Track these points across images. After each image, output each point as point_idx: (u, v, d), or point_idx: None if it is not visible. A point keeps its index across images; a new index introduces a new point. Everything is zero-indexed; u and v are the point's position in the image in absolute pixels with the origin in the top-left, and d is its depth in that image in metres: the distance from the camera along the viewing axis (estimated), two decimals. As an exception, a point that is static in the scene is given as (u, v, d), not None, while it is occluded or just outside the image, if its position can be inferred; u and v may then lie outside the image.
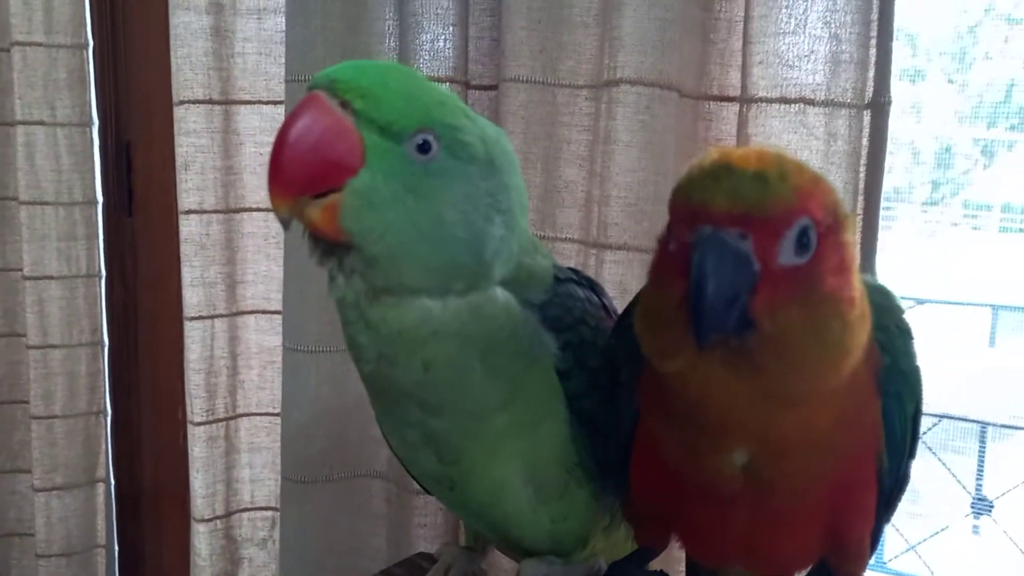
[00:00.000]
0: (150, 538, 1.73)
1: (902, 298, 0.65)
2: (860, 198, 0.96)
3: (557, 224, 1.11)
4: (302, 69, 1.22)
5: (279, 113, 1.42)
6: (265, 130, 1.45)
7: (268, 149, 1.40)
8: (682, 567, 0.87)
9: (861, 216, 0.96)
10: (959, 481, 4.04)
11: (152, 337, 1.67)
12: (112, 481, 1.71)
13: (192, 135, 1.43)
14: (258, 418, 1.50)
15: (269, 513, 1.51)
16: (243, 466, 1.51)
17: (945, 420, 4.13)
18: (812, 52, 0.95)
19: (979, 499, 4.00)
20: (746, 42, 0.98)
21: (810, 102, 0.95)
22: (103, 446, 1.68)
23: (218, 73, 1.43)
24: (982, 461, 4.14)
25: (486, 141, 0.70)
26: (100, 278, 1.65)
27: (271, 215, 1.42)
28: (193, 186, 1.44)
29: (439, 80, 1.16)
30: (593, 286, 0.81)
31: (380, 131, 0.66)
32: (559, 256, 1.11)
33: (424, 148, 0.67)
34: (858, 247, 0.80)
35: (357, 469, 1.27)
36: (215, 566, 1.51)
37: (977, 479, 4.11)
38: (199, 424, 1.47)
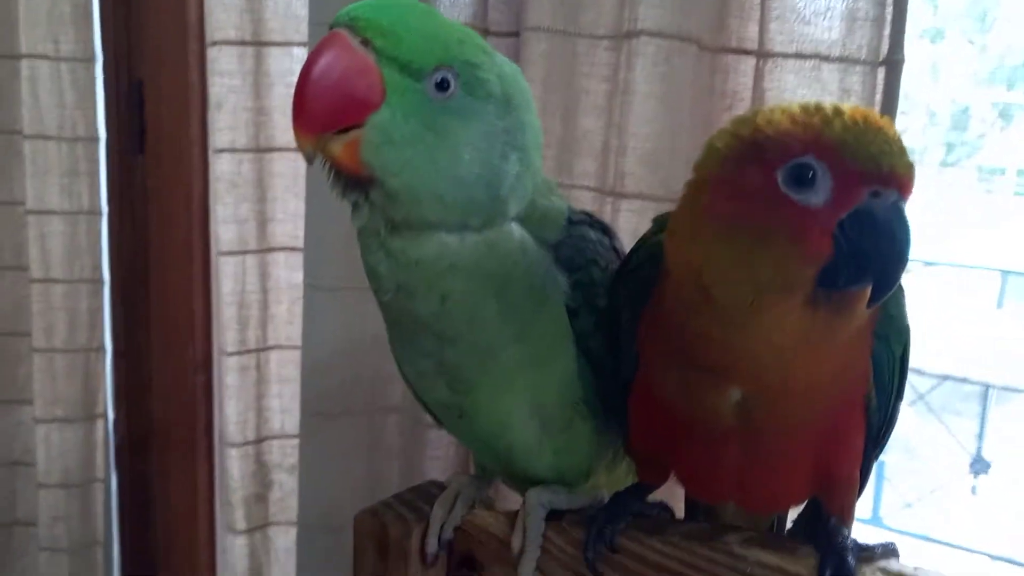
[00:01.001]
0: (159, 472, 1.75)
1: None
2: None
3: (574, 172, 1.12)
4: (325, 11, 1.23)
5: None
6: (295, 72, 1.45)
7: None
8: (682, 501, 0.91)
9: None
10: (959, 442, 4.07)
11: (162, 274, 1.67)
12: (111, 417, 1.74)
13: (225, 76, 1.45)
14: (287, 351, 1.54)
15: (297, 441, 1.56)
16: (273, 396, 1.55)
17: (948, 382, 4.15)
18: (829, 9, 0.95)
19: (977, 459, 4.03)
20: (765, -2, 0.98)
21: (825, 58, 0.95)
22: (102, 383, 1.70)
23: (250, 15, 1.45)
24: (983, 423, 4.16)
25: (503, 79, 0.71)
26: (102, 215, 1.66)
27: (300, 155, 1.47)
28: (225, 125, 1.46)
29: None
30: (605, 229, 0.82)
31: (400, 68, 0.67)
32: (576, 203, 1.13)
33: (443, 85, 0.68)
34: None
35: (373, 404, 1.30)
36: (246, 488, 1.57)
37: (978, 440, 4.14)
38: (231, 354, 1.51)
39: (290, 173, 1.51)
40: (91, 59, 1.59)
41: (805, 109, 0.60)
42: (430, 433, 1.24)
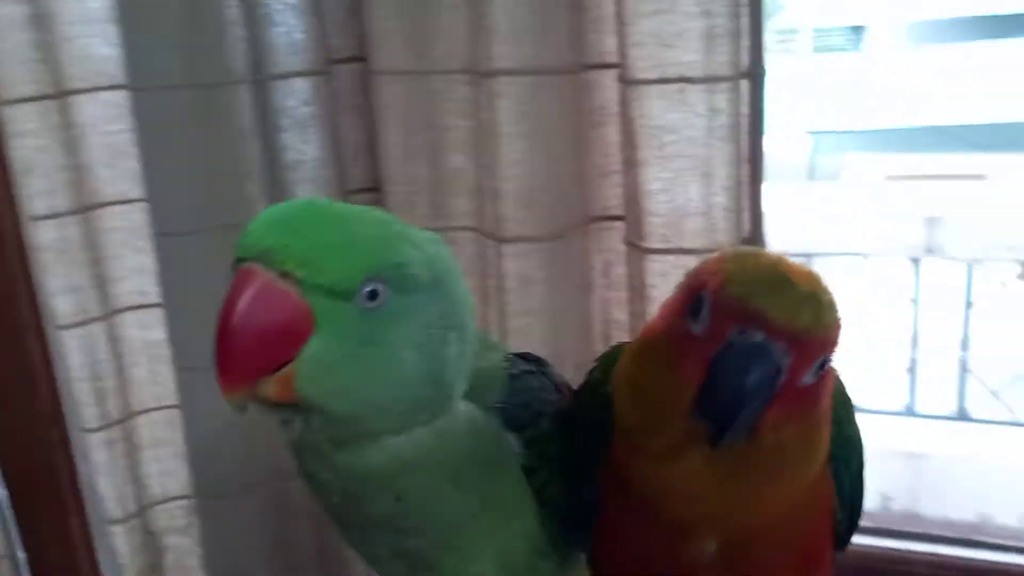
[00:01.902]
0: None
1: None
2: (746, 165, 0.99)
3: (449, 213, 1.09)
4: (147, 78, 1.13)
5: (120, 98, 1.31)
6: (108, 118, 1.33)
7: (115, 138, 1.34)
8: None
9: (747, 182, 0.99)
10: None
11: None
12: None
13: (28, 136, 1.30)
14: (155, 412, 1.45)
15: (184, 501, 1.49)
16: (149, 462, 1.46)
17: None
18: (686, 29, 0.94)
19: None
20: (621, 23, 0.96)
21: (689, 80, 0.95)
22: None
23: (45, 65, 1.30)
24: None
25: (429, 262, 0.67)
26: None
27: (131, 206, 1.36)
28: (41, 190, 1.32)
29: (299, 74, 1.09)
30: (543, 368, 0.81)
31: (327, 293, 0.62)
32: (455, 246, 1.10)
33: (372, 295, 0.63)
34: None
35: (275, 470, 1.26)
36: (137, 560, 1.48)
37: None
38: (94, 431, 1.41)
39: (123, 227, 1.39)
40: None
41: (737, 251, 0.63)
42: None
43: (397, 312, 0.65)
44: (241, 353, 0.61)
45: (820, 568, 0.73)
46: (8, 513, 1.58)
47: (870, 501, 0.77)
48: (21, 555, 1.61)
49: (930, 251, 3.54)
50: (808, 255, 4.03)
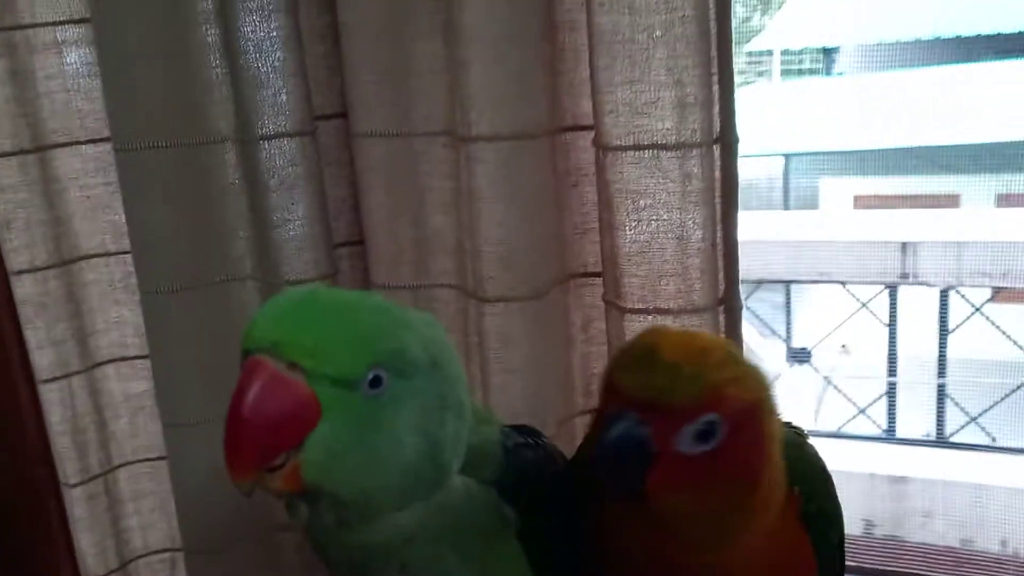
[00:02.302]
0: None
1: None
2: (719, 228, 1.02)
3: (431, 271, 1.12)
4: (130, 137, 1.15)
5: (100, 151, 1.33)
6: (87, 171, 1.35)
7: (94, 191, 1.35)
8: None
9: (721, 245, 1.02)
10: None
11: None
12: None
13: (8, 191, 1.32)
14: (137, 465, 1.46)
15: (166, 555, 1.50)
16: (130, 515, 1.48)
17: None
18: (659, 98, 0.98)
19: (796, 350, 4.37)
20: (595, 91, 0.99)
21: (663, 147, 0.98)
22: None
23: (24, 119, 1.32)
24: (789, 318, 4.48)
25: (427, 345, 0.71)
26: None
27: (111, 259, 1.37)
28: (21, 244, 1.34)
29: (286, 135, 1.12)
30: (538, 439, 0.84)
31: (332, 382, 0.66)
32: (439, 303, 1.12)
33: (375, 383, 0.67)
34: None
35: (265, 523, 1.27)
36: (121, 617, 1.49)
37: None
38: (75, 486, 1.42)
39: (104, 280, 1.41)
40: None
41: (646, 331, 0.69)
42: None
43: (398, 396, 0.69)
44: (251, 441, 0.65)
45: None
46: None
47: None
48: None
49: (904, 276, 3.61)
50: (787, 282, 4.10)
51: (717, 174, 1.01)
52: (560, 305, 1.12)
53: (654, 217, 1.00)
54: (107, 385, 1.43)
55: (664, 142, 0.98)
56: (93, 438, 1.43)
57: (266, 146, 1.12)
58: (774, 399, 0.69)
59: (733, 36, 1.00)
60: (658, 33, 0.96)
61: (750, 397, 0.65)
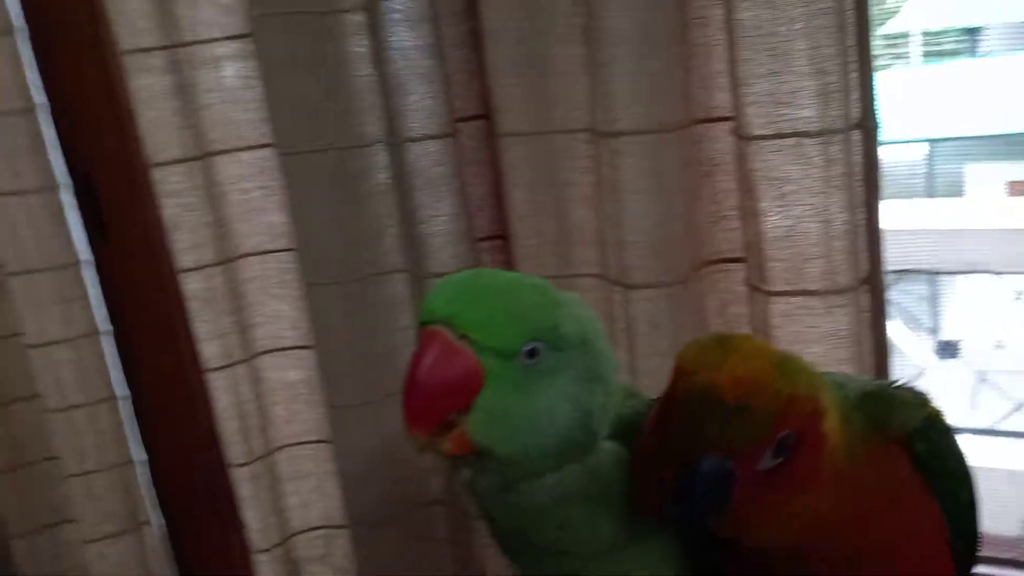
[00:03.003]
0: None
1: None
2: (862, 210, 1.05)
3: (573, 262, 1.18)
4: (290, 141, 1.25)
5: (256, 157, 1.43)
6: (244, 176, 1.46)
7: (253, 193, 1.46)
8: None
9: (864, 225, 1.05)
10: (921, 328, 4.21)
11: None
12: (155, 522, 1.75)
13: (175, 196, 1.44)
14: (294, 448, 1.58)
15: (322, 531, 1.61)
16: (291, 494, 1.59)
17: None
18: (801, 88, 1.01)
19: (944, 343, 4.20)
20: (737, 84, 1.03)
21: (805, 134, 1.02)
22: (140, 492, 1.72)
23: (188, 130, 1.43)
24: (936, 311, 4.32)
25: (579, 324, 0.79)
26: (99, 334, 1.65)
27: (268, 256, 1.48)
28: (188, 245, 1.46)
29: (430, 137, 1.20)
30: None
31: (496, 354, 0.74)
32: (582, 293, 1.18)
33: (532, 354, 0.75)
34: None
35: (418, 498, 1.36)
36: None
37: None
38: (242, 466, 1.54)
39: (260, 276, 1.52)
40: (55, 187, 1.55)
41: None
42: (478, 523, 1.30)
43: (552, 367, 0.77)
44: (426, 401, 0.74)
45: None
46: (164, 543, 1.75)
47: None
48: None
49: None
50: (933, 272, 3.95)
51: (859, 159, 1.03)
52: (697, 291, 1.17)
53: (798, 202, 1.04)
54: (265, 374, 1.55)
55: (806, 129, 1.02)
56: (255, 423, 1.55)
57: (412, 148, 1.20)
58: (823, 381, 0.72)
59: (871, 23, 1.02)
60: (799, 26, 0.99)
61: (811, 404, 0.68)
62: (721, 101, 1.11)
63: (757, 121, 1.03)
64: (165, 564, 1.75)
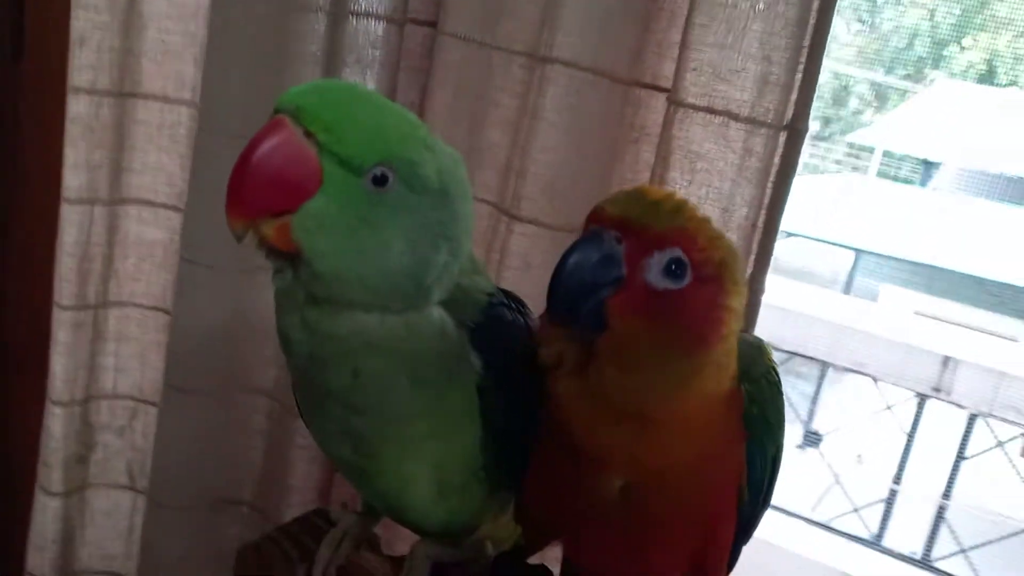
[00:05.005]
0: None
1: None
2: (763, 212, 1.06)
3: (475, 184, 1.16)
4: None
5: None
6: (171, 16, 1.41)
7: (173, 36, 1.41)
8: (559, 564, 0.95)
9: (761, 229, 1.06)
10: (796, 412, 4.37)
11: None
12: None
13: (91, 9, 1.38)
14: (130, 308, 1.51)
15: (131, 403, 1.54)
16: (108, 354, 1.52)
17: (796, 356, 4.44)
18: (744, 69, 1.02)
19: (810, 432, 4.37)
20: (683, 47, 1.04)
21: (734, 117, 1.03)
22: None
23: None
24: (816, 398, 4.48)
25: (442, 172, 0.76)
26: None
27: (167, 105, 1.43)
28: (87, 63, 1.40)
29: (375, 16, 1.17)
30: (521, 308, 0.88)
31: (340, 163, 0.71)
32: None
33: (380, 180, 0.72)
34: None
35: (245, 384, 1.32)
36: (67, 449, 1.54)
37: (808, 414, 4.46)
38: (67, 308, 1.47)
39: (154, 122, 1.46)
40: None
41: None
42: (299, 422, 1.26)
43: (399, 203, 0.74)
44: (252, 186, 0.70)
45: (716, 537, 0.79)
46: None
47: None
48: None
49: (937, 390, 3.60)
50: (823, 362, 4.09)
51: (777, 160, 1.05)
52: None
53: (706, 183, 1.04)
54: (126, 223, 1.48)
55: (737, 112, 1.03)
56: (97, 269, 1.48)
57: (353, 22, 1.18)
58: (742, 276, 0.73)
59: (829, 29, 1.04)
60: (761, 6, 1.01)
61: (719, 255, 0.70)
62: (670, 73, 1.12)
63: (693, 90, 1.04)
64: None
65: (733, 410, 0.75)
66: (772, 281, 1.12)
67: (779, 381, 0.79)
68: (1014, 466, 3.67)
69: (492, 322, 0.83)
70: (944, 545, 3.44)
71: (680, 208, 0.70)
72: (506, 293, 0.88)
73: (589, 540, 0.80)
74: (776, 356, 1.05)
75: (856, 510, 3.54)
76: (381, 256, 0.74)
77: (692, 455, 0.73)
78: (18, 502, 1.70)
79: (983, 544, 3.44)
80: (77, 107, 1.41)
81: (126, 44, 1.41)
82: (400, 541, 1.16)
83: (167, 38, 1.41)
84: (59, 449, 1.53)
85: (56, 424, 1.50)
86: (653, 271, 0.68)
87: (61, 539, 1.57)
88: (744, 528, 0.82)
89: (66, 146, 1.42)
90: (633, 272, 0.68)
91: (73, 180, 1.43)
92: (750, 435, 0.77)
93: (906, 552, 3.26)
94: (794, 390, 4.33)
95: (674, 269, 0.68)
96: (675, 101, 1.05)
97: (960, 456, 3.41)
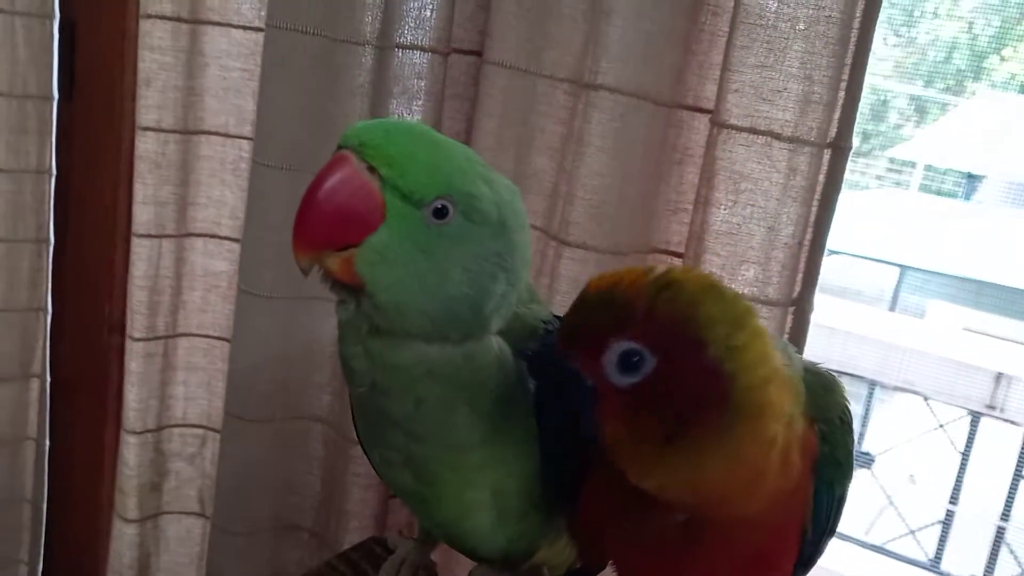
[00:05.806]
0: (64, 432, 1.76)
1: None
2: (809, 230, 1.04)
3: (522, 209, 1.16)
4: (284, 16, 1.23)
5: (248, 38, 1.42)
6: (231, 54, 1.44)
7: (233, 73, 1.44)
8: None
9: (808, 247, 1.04)
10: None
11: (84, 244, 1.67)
12: (48, 377, 1.72)
13: (156, 51, 1.42)
14: (197, 339, 1.54)
15: (200, 431, 1.57)
16: (178, 383, 1.55)
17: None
18: (785, 89, 1.01)
19: (861, 453, 4.28)
20: (725, 68, 1.03)
21: (777, 136, 1.02)
22: (40, 342, 1.68)
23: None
24: (866, 418, 4.39)
25: (500, 205, 0.75)
26: (50, 175, 1.63)
27: (229, 140, 1.46)
28: (153, 103, 1.43)
29: (420, 48, 1.19)
30: None
31: (402, 197, 0.71)
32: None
33: (441, 213, 0.72)
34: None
35: (299, 411, 1.33)
36: (142, 476, 1.56)
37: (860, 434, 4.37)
38: (138, 340, 1.50)
39: (217, 157, 1.50)
40: (49, 16, 1.54)
41: None
42: (355, 448, 1.27)
43: (459, 235, 0.73)
44: (318, 221, 0.71)
45: (775, 571, 0.77)
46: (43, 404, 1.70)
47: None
48: (47, 443, 1.73)
49: (991, 408, 3.50)
50: (871, 381, 4.01)
51: (823, 177, 1.03)
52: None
53: (750, 202, 1.03)
54: (192, 256, 1.51)
55: (780, 132, 1.02)
56: (166, 301, 1.51)
57: (399, 54, 1.19)
58: (732, 313, 0.63)
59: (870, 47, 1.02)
60: (801, 26, 1.00)
61: (674, 311, 0.61)
62: (712, 93, 1.11)
63: (735, 111, 1.03)
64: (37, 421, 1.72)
65: (807, 452, 0.71)
66: (817, 300, 1.10)
67: (852, 419, 0.76)
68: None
69: (549, 350, 0.82)
70: (1006, 568, 3.33)
71: (611, 290, 0.63)
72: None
73: (645, 565, 0.77)
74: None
75: (912, 532, 3.44)
76: (441, 287, 0.74)
77: (753, 493, 0.68)
78: (81, 529, 1.74)
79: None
80: (145, 145, 1.45)
81: (189, 83, 1.45)
82: (457, 566, 1.15)
83: (228, 75, 1.44)
84: (133, 477, 1.56)
85: (130, 453, 1.52)
86: (612, 373, 0.63)
87: (138, 565, 1.59)
88: (805, 562, 0.79)
89: (135, 182, 1.46)
90: (600, 379, 0.63)
91: (142, 215, 1.46)
92: (819, 476, 0.73)
93: (967, 576, 3.16)
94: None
95: (631, 360, 0.62)
96: (718, 122, 1.04)
97: (1018, 475, 3.29)
